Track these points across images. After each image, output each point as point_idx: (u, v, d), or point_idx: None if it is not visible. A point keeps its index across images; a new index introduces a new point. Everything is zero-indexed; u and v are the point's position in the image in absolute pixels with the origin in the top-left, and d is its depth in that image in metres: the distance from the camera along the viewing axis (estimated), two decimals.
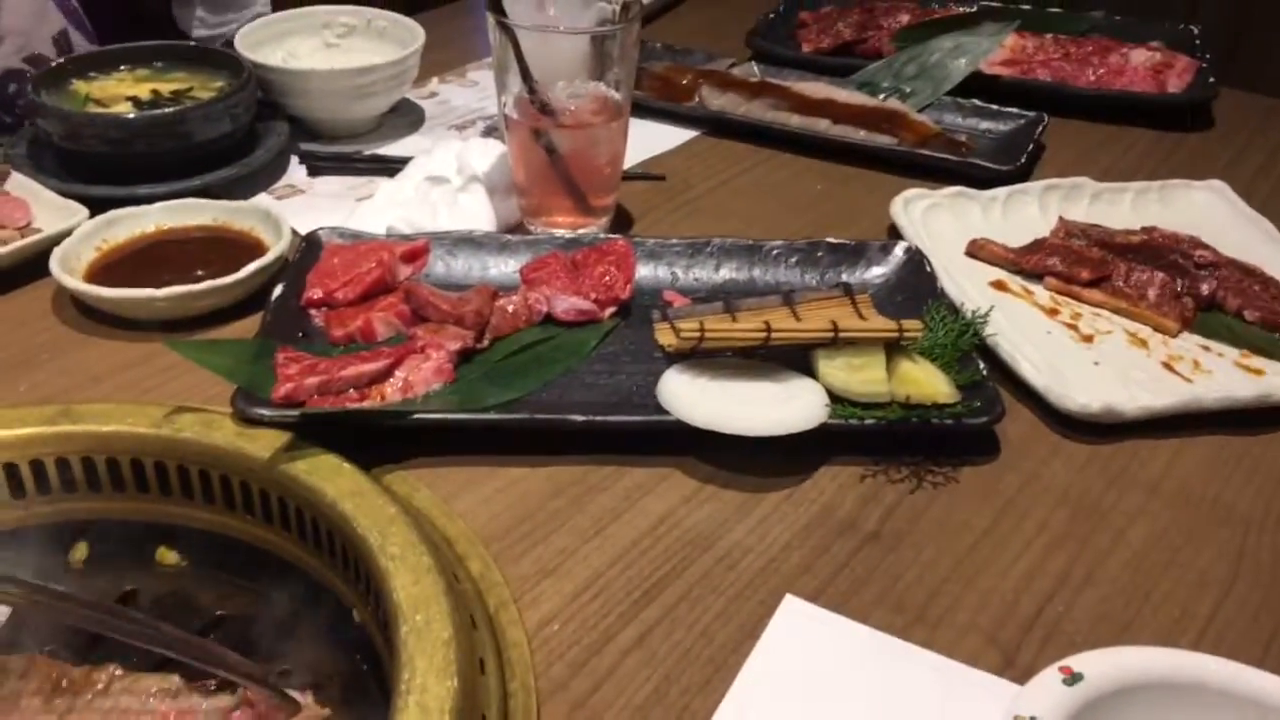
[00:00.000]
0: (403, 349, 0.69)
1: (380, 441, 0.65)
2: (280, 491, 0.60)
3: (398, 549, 0.54)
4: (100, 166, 0.89)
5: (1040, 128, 1.07)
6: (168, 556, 0.63)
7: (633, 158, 0.98)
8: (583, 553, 0.60)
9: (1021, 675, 0.50)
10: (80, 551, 0.63)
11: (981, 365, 0.71)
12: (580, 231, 0.88)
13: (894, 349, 0.70)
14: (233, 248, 0.83)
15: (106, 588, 0.62)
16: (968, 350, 0.72)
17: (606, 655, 0.54)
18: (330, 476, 0.59)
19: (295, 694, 0.53)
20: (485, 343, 0.73)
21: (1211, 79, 1.17)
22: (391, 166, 0.97)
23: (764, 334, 0.69)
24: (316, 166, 0.99)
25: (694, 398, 0.66)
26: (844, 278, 0.83)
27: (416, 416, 0.65)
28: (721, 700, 0.51)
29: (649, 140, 1.05)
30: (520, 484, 0.65)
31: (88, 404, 0.62)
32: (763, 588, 0.58)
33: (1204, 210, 0.96)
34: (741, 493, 0.65)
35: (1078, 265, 0.84)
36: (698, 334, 0.69)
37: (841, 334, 0.69)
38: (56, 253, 0.78)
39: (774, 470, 0.66)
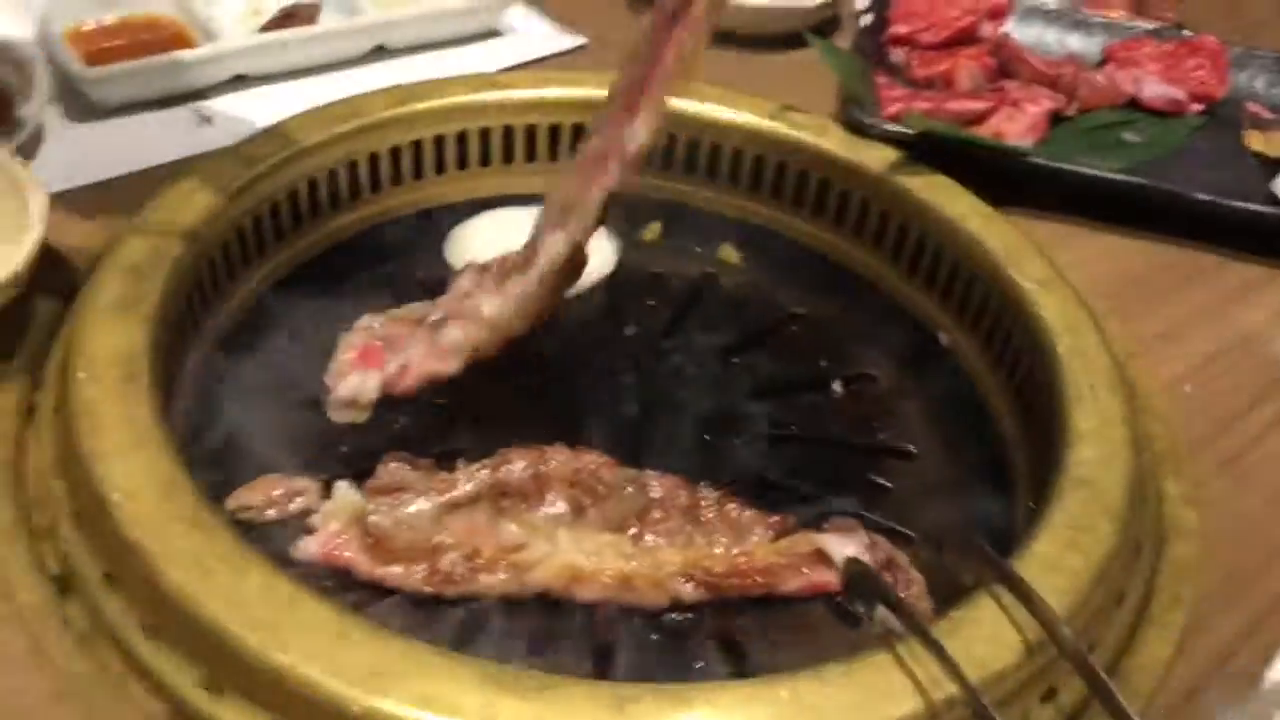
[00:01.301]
0: (997, 97, 0.67)
1: (974, 180, 0.62)
2: (885, 205, 0.58)
3: (1038, 275, 0.53)
4: None
5: None
6: (730, 255, 0.64)
7: None
8: (1200, 329, 0.57)
9: None
10: (652, 231, 0.64)
11: None
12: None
13: None
14: None
15: (668, 271, 0.63)
16: None
17: (1247, 424, 0.51)
18: (949, 197, 0.57)
19: None
20: (1073, 111, 0.69)
21: None
22: None
23: None
24: None
25: None
26: None
27: (1040, 160, 0.62)
28: None
29: None
30: (1115, 253, 0.62)
31: (704, 86, 0.62)
32: None
33: None
34: None
35: None
36: None
37: None
38: None
39: None
